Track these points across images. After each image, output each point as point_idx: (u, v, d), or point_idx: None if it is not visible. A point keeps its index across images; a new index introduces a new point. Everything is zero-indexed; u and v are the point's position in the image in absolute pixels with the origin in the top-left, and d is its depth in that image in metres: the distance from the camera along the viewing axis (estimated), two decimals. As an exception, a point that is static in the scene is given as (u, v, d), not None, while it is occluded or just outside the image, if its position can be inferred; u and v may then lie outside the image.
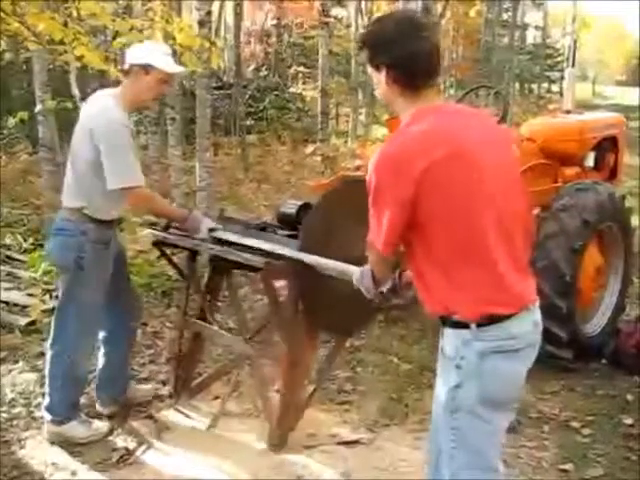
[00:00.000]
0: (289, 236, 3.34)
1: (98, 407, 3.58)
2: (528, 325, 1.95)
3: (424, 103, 1.94)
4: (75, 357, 3.27)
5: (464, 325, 1.90)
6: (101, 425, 3.41)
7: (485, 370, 1.89)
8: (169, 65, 3.19)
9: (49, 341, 3.35)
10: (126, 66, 3.21)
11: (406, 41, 1.90)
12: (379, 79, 1.98)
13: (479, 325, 1.88)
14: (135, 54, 3.19)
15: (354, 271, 2.39)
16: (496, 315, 1.88)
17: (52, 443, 3.29)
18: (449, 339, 1.97)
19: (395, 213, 1.88)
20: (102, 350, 3.56)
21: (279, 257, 3.01)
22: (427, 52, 1.92)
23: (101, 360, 3.57)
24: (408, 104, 1.96)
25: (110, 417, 3.52)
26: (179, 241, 3.42)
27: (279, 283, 3.20)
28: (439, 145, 1.85)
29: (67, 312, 3.24)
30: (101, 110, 3.12)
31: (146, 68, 3.12)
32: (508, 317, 1.90)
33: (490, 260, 1.90)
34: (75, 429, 3.29)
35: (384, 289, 2.29)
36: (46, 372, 3.34)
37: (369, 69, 2.03)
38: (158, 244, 3.56)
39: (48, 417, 3.31)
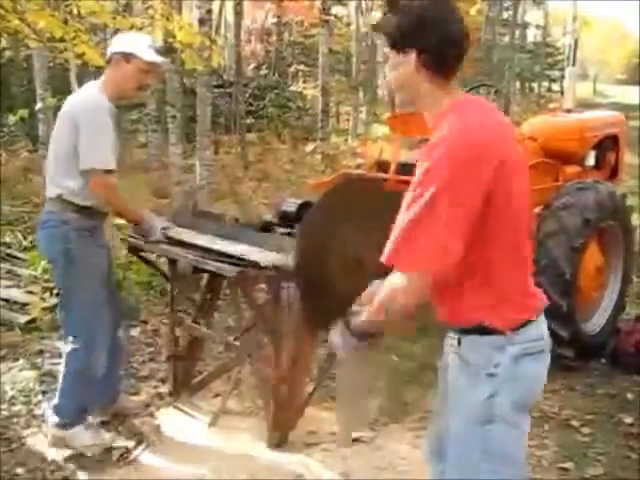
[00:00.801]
0: (288, 234, 3.34)
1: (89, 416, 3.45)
2: (545, 326, 1.92)
3: (452, 92, 1.79)
4: (90, 351, 3.18)
5: (496, 331, 1.79)
6: (107, 436, 3.29)
7: (519, 374, 1.81)
8: (150, 55, 3.18)
9: (63, 336, 3.32)
10: (108, 55, 3.22)
11: (444, 23, 1.73)
12: (404, 64, 1.77)
13: (513, 329, 1.80)
14: (117, 43, 3.21)
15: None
16: (528, 319, 1.83)
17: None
18: (476, 348, 1.83)
19: (472, 211, 1.66)
20: None
21: (253, 264, 2.96)
22: (462, 36, 1.77)
23: None
24: (436, 93, 1.79)
25: (102, 425, 3.41)
26: (151, 248, 3.39)
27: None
28: (501, 140, 1.73)
29: (70, 304, 3.21)
30: (83, 96, 3.17)
31: (127, 56, 3.13)
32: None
33: (527, 264, 1.86)
34: (80, 436, 3.19)
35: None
36: (61, 369, 3.26)
37: (389, 52, 1.81)
38: (134, 250, 3.57)
39: (54, 419, 3.21)
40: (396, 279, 1.72)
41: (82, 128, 3.01)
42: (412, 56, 1.74)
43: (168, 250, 3.31)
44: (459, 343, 1.86)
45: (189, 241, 3.19)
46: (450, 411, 1.91)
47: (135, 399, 3.72)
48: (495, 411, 1.80)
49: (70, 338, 3.21)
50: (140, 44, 3.17)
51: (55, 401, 3.25)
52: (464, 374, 1.86)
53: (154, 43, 3.34)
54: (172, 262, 3.55)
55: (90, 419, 3.34)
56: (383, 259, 1.73)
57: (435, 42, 1.73)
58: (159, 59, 3.30)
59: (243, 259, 2.97)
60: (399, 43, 1.77)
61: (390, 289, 1.74)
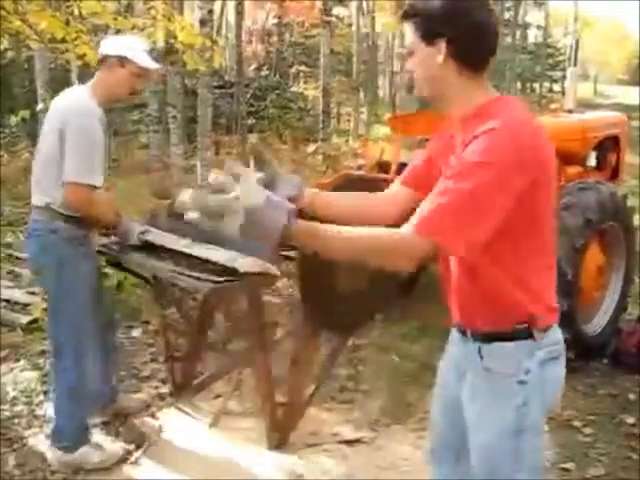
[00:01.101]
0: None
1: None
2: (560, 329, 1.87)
3: (484, 89, 1.71)
4: (80, 367, 3.06)
5: (524, 336, 1.73)
6: (115, 448, 3.20)
7: (546, 379, 1.76)
8: (146, 60, 3.06)
9: (51, 356, 3.20)
10: (100, 56, 3.08)
11: (475, 11, 1.65)
12: (432, 55, 1.67)
13: (540, 332, 1.74)
14: (111, 45, 3.07)
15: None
16: (553, 324, 1.78)
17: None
18: (503, 354, 1.75)
19: (506, 203, 1.56)
20: None
21: (231, 272, 2.79)
22: (494, 26, 1.68)
23: None
24: (468, 88, 1.69)
25: (103, 426, 3.39)
26: (127, 260, 3.23)
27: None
28: (539, 144, 1.64)
29: (59, 317, 3.06)
30: (73, 103, 2.98)
31: (122, 60, 3.00)
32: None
33: (554, 266, 1.82)
34: (88, 456, 3.08)
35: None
36: (52, 390, 3.17)
37: (414, 42, 1.70)
38: (112, 262, 3.44)
39: (56, 444, 3.09)
40: (396, 232, 1.59)
41: (70, 138, 2.86)
42: (441, 46, 1.65)
43: (144, 264, 3.13)
44: (480, 353, 1.78)
45: (167, 246, 3.02)
46: (474, 425, 1.83)
47: (135, 397, 3.70)
48: (527, 419, 1.74)
49: (52, 357, 3.12)
50: (136, 48, 3.06)
51: (53, 424, 3.13)
52: (489, 384, 1.78)
53: (149, 47, 3.22)
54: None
55: (93, 437, 3.21)
56: (414, 221, 1.57)
57: (465, 31, 1.64)
58: (155, 65, 3.18)
59: (222, 266, 2.80)
60: (428, 32, 1.67)
61: (381, 234, 1.61)
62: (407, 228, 1.58)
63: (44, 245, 3.01)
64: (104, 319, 3.35)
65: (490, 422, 1.78)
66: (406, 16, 1.72)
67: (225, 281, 2.81)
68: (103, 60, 3.06)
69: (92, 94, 3.00)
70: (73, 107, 2.95)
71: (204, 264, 2.87)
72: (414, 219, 1.58)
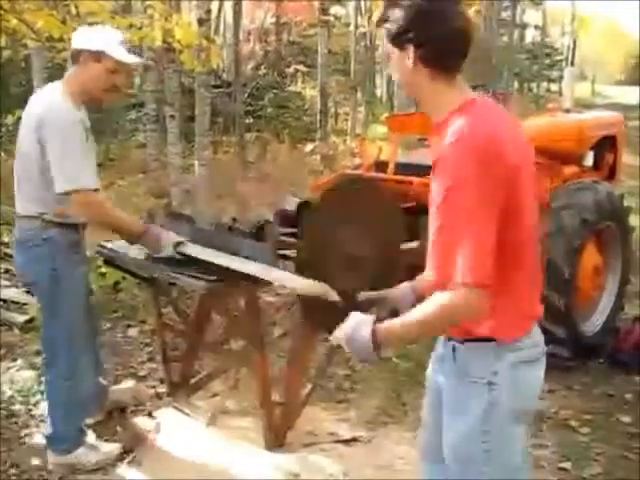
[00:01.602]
0: (288, 234, 3.34)
1: None
2: (540, 331, 1.88)
3: (457, 91, 1.72)
4: (74, 378, 3.02)
5: (495, 338, 1.74)
6: (112, 448, 3.17)
7: (517, 381, 1.76)
8: (123, 54, 2.87)
9: (43, 364, 3.16)
10: (73, 51, 2.89)
11: (443, 16, 1.68)
12: (402, 59, 1.72)
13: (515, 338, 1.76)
14: (85, 39, 2.87)
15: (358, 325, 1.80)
16: (528, 329, 1.79)
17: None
18: (475, 357, 1.77)
19: (493, 220, 1.58)
20: None
21: (230, 276, 2.82)
22: (463, 30, 1.70)
23: None
24: (440, 91, 1.72)
25: (95, 426, 3.37)
26: (122, 259, 3.21)
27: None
28: (516, 143, 1.66)
29: (53, 333, 3.00)
30: (47, 106, 2.80)
31: (97, 55, 2.82)
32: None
33: (536, 272, 1.82)
34: (83, 457, 3.06)
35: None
36: (46, 398, 3.13)
37: (389, 47, 1.76)
38: (110, 262, 3.43)
39: (52, 449, 3.07)
40: (454, 296, 1.60)
41: (51, 149, 2.74)
42: (410, 51, 1.69)
43: (142, 265, 3.09)
44: (454, 352, 1.81)
45: (205, 259, 2.92)
46: (445, 424, 1.86)
47: (124, 387, 3.63)
48: (495, 420, 1.76)
49: (44, 366, 3.08)
50: (111, 41, 2.86)
51: (48, 432, 3.09)
52: (461, 385, 1.80)
53: (123, 39, 2.98)
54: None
55: (88, 438, 3.18)
56: (460, 279, 1.58)
57: (432, 36, 1.68)
58: (133, 59, 2.98)
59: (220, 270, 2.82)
60: (397, 38, 1.72)
61: (444, 306, 1.62)
62: (454, 286, 1.59)
63: (36, 256, 2.90)
64: (92, 321, 3.32)
65: (459, 422, 1.80)
66: (379, 22, 1.78)
67: (220, 280, 2.83)
68: (77, 55, 2.88)
69: (67, 93, 2.84)
70: (48, 113, 2.78)
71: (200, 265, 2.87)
72: (453, 275, 1.59)
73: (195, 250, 3.00)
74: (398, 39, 1.72)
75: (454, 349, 1.80)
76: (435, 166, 1.67)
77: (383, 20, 1.75)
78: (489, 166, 1.57)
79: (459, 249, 1.58)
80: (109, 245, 3.32)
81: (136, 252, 3.11)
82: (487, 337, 1.74)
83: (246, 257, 2.93)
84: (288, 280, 2.75)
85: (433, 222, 1.69)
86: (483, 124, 1.63)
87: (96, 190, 2.85)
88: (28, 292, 5.04)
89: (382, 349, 1.73)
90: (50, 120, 2.76)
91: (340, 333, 1.82)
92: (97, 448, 3.14)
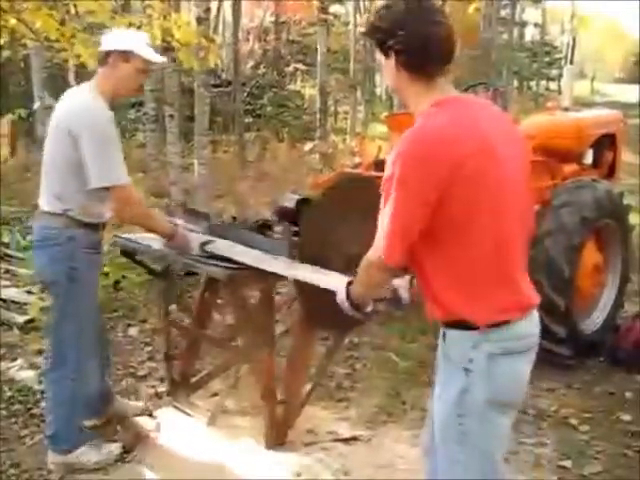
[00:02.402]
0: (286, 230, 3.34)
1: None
2: (533, 326, 1.91)
3: (438, 92, 1.84)
4: (81, 379, 3.02)
5: (473, 327, 1.82)
6: (113, 447, 3.16)
7: (494, 372, 1.82)
8: (151, 53, 2.99)
9: (47, 364, 3.12)
10: (103, 52, 2.97)
11: (417, 25, 1.79)
12: (388, 65, 1.87)
13: (489, 326, 1.81)
14: (114, 40, 2.97)
15: (339, 288, 2.15)
16: (508, 320, 1.83)
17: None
18: (454, 342, 1.88)
19: (416, 214, 1.75)
20: None
21: (246, 268, 2.91)
22: (439, 37, 1.80)
23: None
24: (420, 93, 1.85)
25: (94, 429, 3.34)
26: (144, 250, 3.29)
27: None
28: (468, 139, 1.74)
29: (65, 333, 2.98)
30: (80, 107, 2.88)
31: (126, 55, 2.91)
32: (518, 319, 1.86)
33: (511, 266, 1.85)
34: (84, 456, 3.05)
35: (369, 307, 2.14)
36: (49, 397, 3.11)
37: (378, 55, 1.92)
38: (126, 253, 3.49)
39: (54, 449, 3.06)
40: (366, 259, 1.90)
41: (87, 147, 2.78)
42: (392, 58, 1.84)
43: (162, 255, 3.19)
44: (444, 337, 1.92)
45: (234, 257, 2.99)
46: (435, 405, 1.97)
47: (132, 404, 3.63)
48: (467, 405, 1.85)
49: (49, 365, 3.06)
50: (139, 42, 2.97)
51: (50, 432, 3.07)
52: (445, 367, 1.93)
53: (149, 41, 3.11)
54: (165, 266, 3.54)
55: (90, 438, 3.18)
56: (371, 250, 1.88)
57: (410, 44, 1.79)
58: (160, 58, 3.13)
59: (238, 262, 2.91)
60: (381, 46, 1.86)
61: (363, 265, 1.93)
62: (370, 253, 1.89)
63: (57, 255, 2.92)
64: (100, 321, 3.35)
65: (441, 403, 1.93)
66: (366, 34, 1.95)
67: (241, 269, 2.91)
68: (106, 56, 2.96)
69: (98, 93, 2.92)
70: (82, 112, 2.86)
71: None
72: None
73: (223, 248, 3.09)
74: (382, 47, 1.86)
75: (444, 333, 1.92)
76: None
77: (371, 28, 1.90)
78: (419, 167, 1.72)
79: (380, 228, 1.82)
80: (129, 236, 3.40)
81: (158, 244, 3.20)
82: (463, 322, 1.83)
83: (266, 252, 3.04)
84: (316, 279, 2.73)
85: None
86: (429, 127, 1.78)
87: (129, 185, 2.92)
88: (29, 292, 5.05)
89: (359, 306, 2.09)
90: (85, 118, 2.83)
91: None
92: (97, 448, 3.13)
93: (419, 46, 1.79)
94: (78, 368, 3.01)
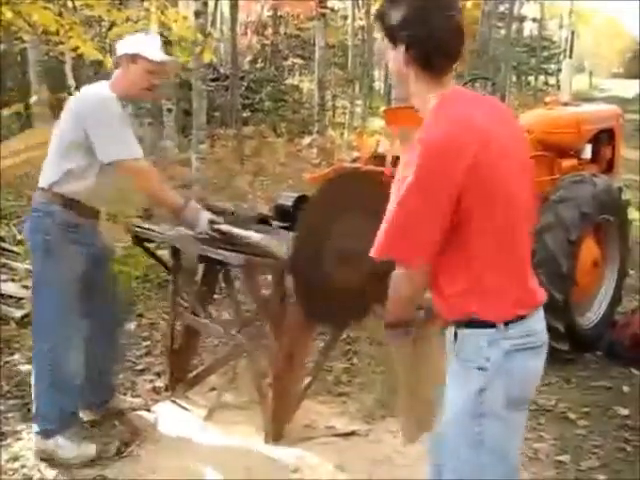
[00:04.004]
0: (284, 228, 3.33)
1: (80, 412, 3.37)
2: (542, 321, 1.90)
3: (444, 87, 1.78)
4: (57, 352, 3.05)
5: (488, 325, 1.78)
6: (89, 447, 3.14)
7: (511, 369, 1.79)
8: (154, 53, 3.13)
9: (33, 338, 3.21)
10: (116, 58, 3.20)
11: (430, 19, 1.72)
12: (396, 57, 1.79)
13: (506, 323, 1.78)
14: (125, 45, 3.18)
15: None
16: (522, 315, 1.81)
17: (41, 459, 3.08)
18: (467, 341, 1.83)
19: (443, 212, 1.67)
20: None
21: (261, 254, 2.98)
22: (451, 32, 1.75)
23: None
24: (425, 87, 1.79)
25: (92, 424, 3.38)
26: (157, 236, 3.38)
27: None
28: (481, 132, 1.70)
29: (40, 303, 3.12)
30: (89, 93, 3.15)
31: (133, 57, 3.10)
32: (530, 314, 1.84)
33: (522, 260, 1.83)
34: (61, 447, 3.07)
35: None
36: (32, 375, 3.15)
37: (385, 43, 1.85)
38: (138, 239, 3.54)
39: (35, 429, 3.12)
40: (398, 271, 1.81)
41: (92, 125, 2.96)
42: (402, 49, 1.76)
43: (178, 239, 3.28)
44: (455, 337, 1.86)
45: (239, 234, 3.08)
46: (445, 404, 1.90)
47: (131, 400, 3.63)
48: (485, 406, 1.79)
49: (33, 337, 3.15)
50: (146, 44, 3.15)
51: (33, 409, 3.15)
52: (458, 368, 1.86)
53: (160, 43, 3.27)
54: (175, 254, 3.54)
55: (80, 413, 3.27)
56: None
57: (421, 39, 1.73)
58: (165, 58, 3.25)
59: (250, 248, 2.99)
60: (391, 36, 1.79)
61: (394, 282, 1.83)
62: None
63: (35, 226, 3.09)
64: (113, 316, 3.41)
65: (453, 404, 1.85)
66: (377, 17, 1.88)
67: (256, 255, 2.97)
68: (119, 60, 3.17)
69: (110, 90, 3.11)
70: (91, 96, 3.10)
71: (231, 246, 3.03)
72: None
73: (228, 227, 3.14)
74: (392, 36, 1.79)
75: (455, 333, 1.86)
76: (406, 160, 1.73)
77: (381, 15, 1.82)
78: (435, 160, 1.65)
79: (385, 224, 1.74)
80: (146, 225, 3.48)
81: (174, 232, 3.33)
82: (478, 321, 1.78)
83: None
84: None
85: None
86: (449, 119, 1.70)
87: (140, 158, 3.05)
88: (25, 287, 5.04)
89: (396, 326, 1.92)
90: (91, 101, 3.05)
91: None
92: (79, 442, 3.14)
93: (429, 42, 1.73)
94: (55, 340, 3.06)
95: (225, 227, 3.14)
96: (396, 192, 1.72)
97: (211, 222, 3.13)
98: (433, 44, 1.74)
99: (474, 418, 1.80)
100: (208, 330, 3.73)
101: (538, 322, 1.87)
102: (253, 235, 3.07)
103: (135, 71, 3.12)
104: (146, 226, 3.48)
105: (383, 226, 1.74)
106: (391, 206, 1.72)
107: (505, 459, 1.86)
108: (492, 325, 1.78)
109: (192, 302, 3.62)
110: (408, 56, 1.76)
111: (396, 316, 1.92)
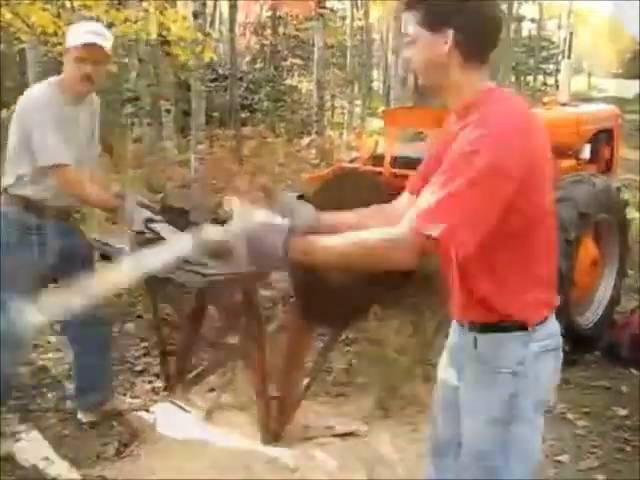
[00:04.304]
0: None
1: (78, 414, 3.40)
2: (557, 322, 1.86)
3: (483, 79, 1.71)
4: None
5: (520, 327, 1.73)
6: (5, 445, 3.12)
7: (540, 372, 1.76)
8: (78, 38, 2.97)
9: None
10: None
11: (483, 3, 1.66)
12: (434, 43, 1.66)
13: (535, 325, 1.74)
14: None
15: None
16: (546, 317, 1.77)
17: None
18: (498, 345, 1.75)
19: (501, 202, 1.56)
20: (72, 352, 3.44)
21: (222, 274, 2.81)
22: (499, 19, 1.71)
23: (74, 363, 3.46)
24: (468, 76, 1.68)
25: (90, 425, 3.36)
26: (117, 254, 3.16)
27: None
28: (532, 131, 1.66)
29: None
30: (28, 92, 3.10)
31: (67, 48, 3.04)
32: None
33: (552, 259, 1.79)
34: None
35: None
36: None
37: (417, 30, 1.68)
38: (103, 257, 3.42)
39: None
40: (393, 233, 1.60)
41: (29, 123, 2.93)
42: (447, 35, 1.64)
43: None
44: (475, 343, 1.79)
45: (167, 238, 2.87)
46: (465, 413, 1.85)
47: (129, 401, 3.62)
48: (517, 410, 1.75)
49: None
50: (72, 32, 3.04)
51: None
52: (482, 374, 1.79)
53: (97, 29, 3.09)
54: None
55: (79, 415, 3.24)
56: (415, 217, 1.57)
57: (473, 21, 1.64)
58: (89, 39, 2.96)
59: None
60: (435, 20, 1.65)
61: (374, 239, 1.63)
62: (404, 225, 1.58)
63: None
64: (98, 318, 3.29)
65: (480, 411, 1.79)
66: (412, 3, 1.70)
67: (219, 274, 2.81)
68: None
69: (54, 85, 3.06)
70: (25, 96, 3.05)
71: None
72: (411, 215, 1.58)
73: (164, 230, 2.96)
74: (436, 21, 1.65)
75: (475, 338, 1.79)
76: (457, 153, 1.59)
77: (417, 2, 1.69)
78: (508, 161, 1.56)
79: (438, 194, 1.55)
80: (104, 239, 3.33)
81: (128, 245, 3.10)
82: (512, 323, 1.73)
83: None
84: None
85: (431, 183, 1.62)
86: (511, 113, 1.64)
87: (66, 165, 2.97)
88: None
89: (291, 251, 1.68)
90: (25, 98, 3.02)
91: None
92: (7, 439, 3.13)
93: (484, 25, 1.66)
94: None
95: (159, 228, 2.99)
96: (454, 167, 1.57)
97: (147, 220, 3.02)
98: (484, 29, 1.67)
99: (505, 425, 1.75)
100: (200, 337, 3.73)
101: (555, 323, 1.83)
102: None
103: (67, 63, 3.04)
104: (106, 242, 3.32)
105: (434, 197, 1.55)
106: (452, 180, 1.55)
107: (531, 462, 1.84)
108: (523, 327, 1.73)
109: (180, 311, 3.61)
110: (455, 41, 1.64)
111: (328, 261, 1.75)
